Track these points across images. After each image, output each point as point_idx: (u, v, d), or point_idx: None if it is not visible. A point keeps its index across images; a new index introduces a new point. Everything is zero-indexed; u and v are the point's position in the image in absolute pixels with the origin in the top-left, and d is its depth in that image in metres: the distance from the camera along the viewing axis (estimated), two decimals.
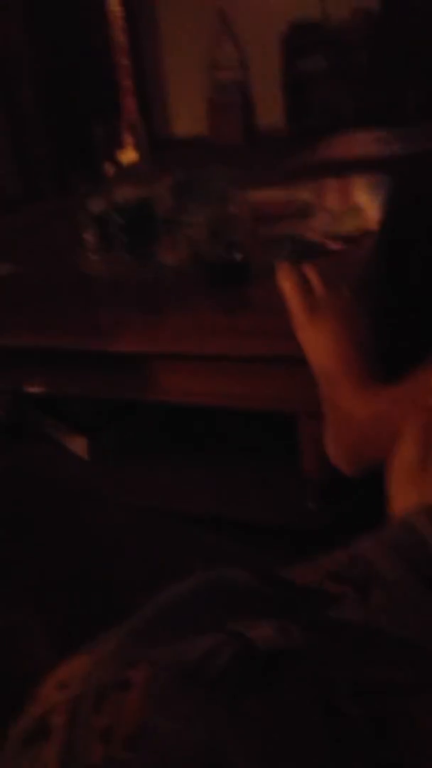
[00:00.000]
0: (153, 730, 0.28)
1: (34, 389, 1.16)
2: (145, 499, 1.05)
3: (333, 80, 3.10)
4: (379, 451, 0.62)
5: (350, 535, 0.51)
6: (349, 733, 0.28)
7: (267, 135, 3.32)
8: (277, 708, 0.29)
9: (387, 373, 0.69)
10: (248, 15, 3.34)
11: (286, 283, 0.74)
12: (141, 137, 1.65)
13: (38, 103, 3.32)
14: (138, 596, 0.37)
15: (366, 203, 1.30)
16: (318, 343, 0.71)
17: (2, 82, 3.29)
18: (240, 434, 1.32)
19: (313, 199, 1.34)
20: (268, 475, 1.17)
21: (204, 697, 0.29)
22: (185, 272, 1.16)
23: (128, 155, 1.70)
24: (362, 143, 2.08)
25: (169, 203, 1.32)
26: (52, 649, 0.52)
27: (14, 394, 1.44)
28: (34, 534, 0.64)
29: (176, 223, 1.25)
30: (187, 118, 3.65)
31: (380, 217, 1.23)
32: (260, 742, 0.28)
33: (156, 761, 0.28)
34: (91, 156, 1.54)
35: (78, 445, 1.36)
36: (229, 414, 1.32)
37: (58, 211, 1.67)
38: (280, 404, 0.95)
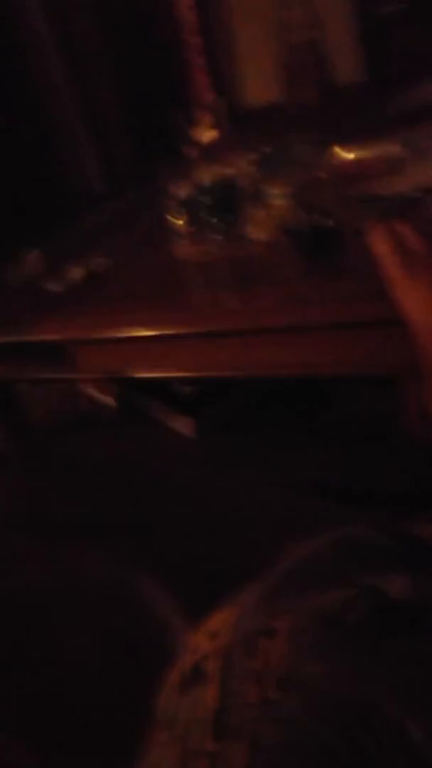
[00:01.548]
0: (301, 673, 0.31)
1: (140, 375, 1.20)
2: (255, 472, 1.07)
3: (413, 23, 2.91)
4: None
5: None
6: None
7: (347, 91, 3.19)
8: (417, 656, 0.30)
9: None
10: None
11: (381, 242, 0.72)
12: (220, 114, 1.64)
13: (115, 94, 3.38)
14: (263, 559, 0.39)
15: None
16: (416, 299, 0.69)
17: (81, 80, 3.38)
18: (344, 402, 1.30)
19: (404, 152, 1.27)
20: (375, 441, 1.15)
21: (346, 644, 0.31)
22: (277, 245, 1.15)
23: (207, 134, 1.70)
24: None
25: (254, 177, 1.31)
26: (175, 609, 0.56)
27: (122, 381, 1.50)
28: (161, 513, 0.68)
29: (263, 197, 1.24)
30: (263, 87, 3.57)
31: None
32: (403, 686, 0.29)
33: (306, 700, 0.30)
34: (170, 141, 1.56)
35: (185, 426, 1.40)
36: (332, 383, 1.30)
37: (144, 201, 1.70)
38: (382, 368, 0.92)
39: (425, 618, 0.31)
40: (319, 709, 0.29)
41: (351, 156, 1.34)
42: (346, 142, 1.36)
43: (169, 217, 1.35)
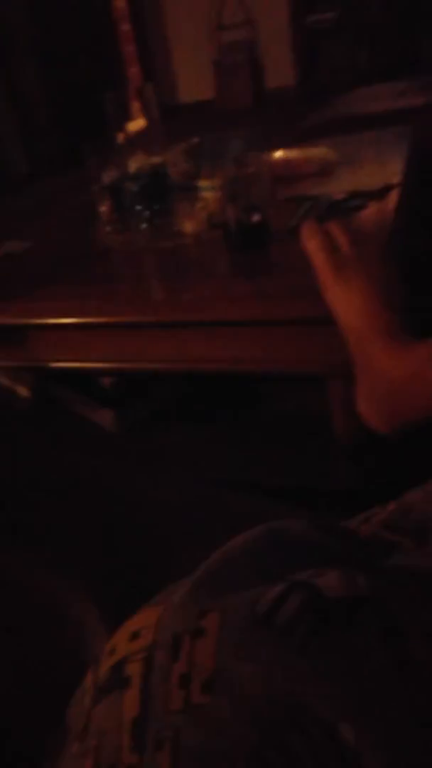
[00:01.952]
0: (229, 675, 0.29)
1: (57, 365, 1.15)
2: (176, 468, 1.05)
3: (344, 34, 2.99)
4: (416, 409, 0.60)
5: (385, 493, 0.50)
6: (419, 675, 0.29)
7: (278, 95, 3.23)
8: (349, 652, 0.30)
9: (419, 329, 0.67)
10: None
11: (311, 242, 0.72)
12: (150, 103, 1.60)
13: (40, 76, 3.26)
14: (180, 560, 0.37)
15: (388, 157, 1.26)
16: (347, 301, 0.69)
17: (2, 57, 3.23)
18: (271, 398, 1.31)
19: (333, 157, 1.30)
20: (300, 438, 1.16)
21: (277, 642, 0.30)
22: (204, 238, 1.14)
23: (137, 123, 1.66)
24: (380, 97, 2.01)
25: (184, 169, 1.29)
26: (93, 609, 0.53)
27: (37, 371, 1.44)
28: (77, 509, 0.65)
29: (192, 189, 1.22)
30: (195, 83, 3.56)
31: (404, 170, 1.19)
32: (335, 685, 0.29)
33: (234, 703, 0.28)
34: (99, 127, 1.51)
35: (105, 419, 1.36)
36: (259, 379, 1.31)
37: (70, 186, 1.64)
38: (308, 367, 0.93)
39: (357, 615, 0.30)
40: (248, 713, 0.28)
41: (281, 156, 1.35)
42: (278, 144, 1.37)
43: (96, 204, 1.30)
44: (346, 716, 0.27)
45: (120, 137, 1.48)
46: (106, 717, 0.30)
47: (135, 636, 0.33)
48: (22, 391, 1.54)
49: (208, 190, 1.17)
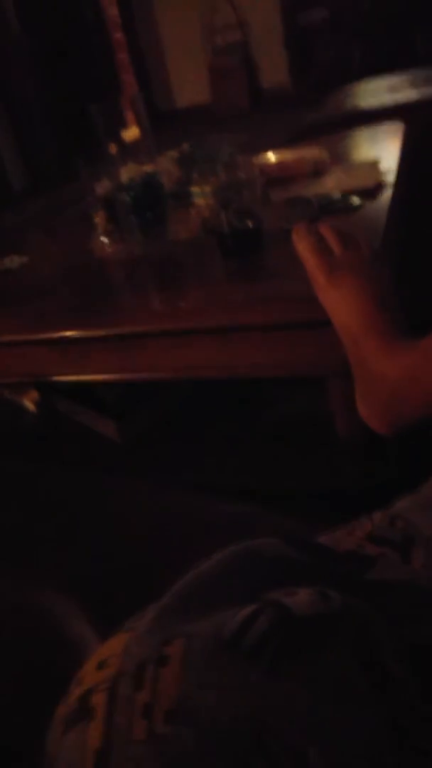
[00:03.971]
0: (193, 703, 0.28)
1: (59, 379, 1.15)
2: (180, 477, 1.05)
3: (337, 31, 2.98)
4: (414, 408, 0.60)
5: (389, 496, 0.49)
6: (395, 691, 0.28)
7: (273, 95, 3.23)
8: (319, 673, 0.28)
9: (413, 328, 0.66)
10: None
11: (302, 245, 0.71)
12: (142, 112, 1.60)
13: (37, 90, 3.28)
14: (172, 574, 0.36)
15: (381, 154, 1.25)
16: (340, 303, 0.68)
17: (1, 75, 3.26)
18: (273, 401, 1.30)
19: (326, 156, 1.29)
20: (303, 442, 1.15)
21: (242, 667, 0.28)
22: (199, 245, 1.13)
23: (132, 132, 1.66)
24: (374, 92, 2.00)
25: (176, 176, 1.29)
26: (90, 627, 0.52)
27: (40, 386, 1.44)
28: (72, 525, 0.64)
29: (185, 196, 1.22)
30: (191, 87, 3.57)
31: (398, 168, 1.18)
32: (304, 709, 0.27)
33: (197, 733, 0.27)
34: (95, 139, 1.51)
35: (108, 429, 1.36)
36: (259, 383, 1.30)
37: (66, 199, 1.65)
38: (307, 369, 0.92)
39: (329, 634, 0.29)
40: (212, 743, 0.27)
41: (273, 158, 1.34)
42: (270, 145, 1.37)
43: (91, 215, 1.30)
44: (314, 741, 0.26)
45: (112, 148, 1.48)
46: (72, 749, 0.30)
47: (102, 665, 0.32)
48: (28, 405, 1.54)
49: (200, 197, 1.16)
